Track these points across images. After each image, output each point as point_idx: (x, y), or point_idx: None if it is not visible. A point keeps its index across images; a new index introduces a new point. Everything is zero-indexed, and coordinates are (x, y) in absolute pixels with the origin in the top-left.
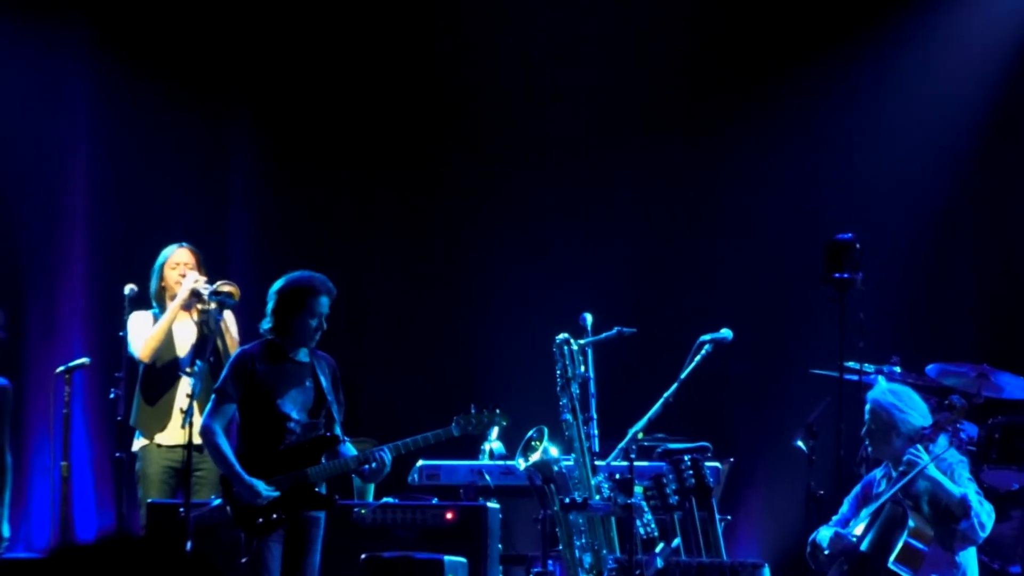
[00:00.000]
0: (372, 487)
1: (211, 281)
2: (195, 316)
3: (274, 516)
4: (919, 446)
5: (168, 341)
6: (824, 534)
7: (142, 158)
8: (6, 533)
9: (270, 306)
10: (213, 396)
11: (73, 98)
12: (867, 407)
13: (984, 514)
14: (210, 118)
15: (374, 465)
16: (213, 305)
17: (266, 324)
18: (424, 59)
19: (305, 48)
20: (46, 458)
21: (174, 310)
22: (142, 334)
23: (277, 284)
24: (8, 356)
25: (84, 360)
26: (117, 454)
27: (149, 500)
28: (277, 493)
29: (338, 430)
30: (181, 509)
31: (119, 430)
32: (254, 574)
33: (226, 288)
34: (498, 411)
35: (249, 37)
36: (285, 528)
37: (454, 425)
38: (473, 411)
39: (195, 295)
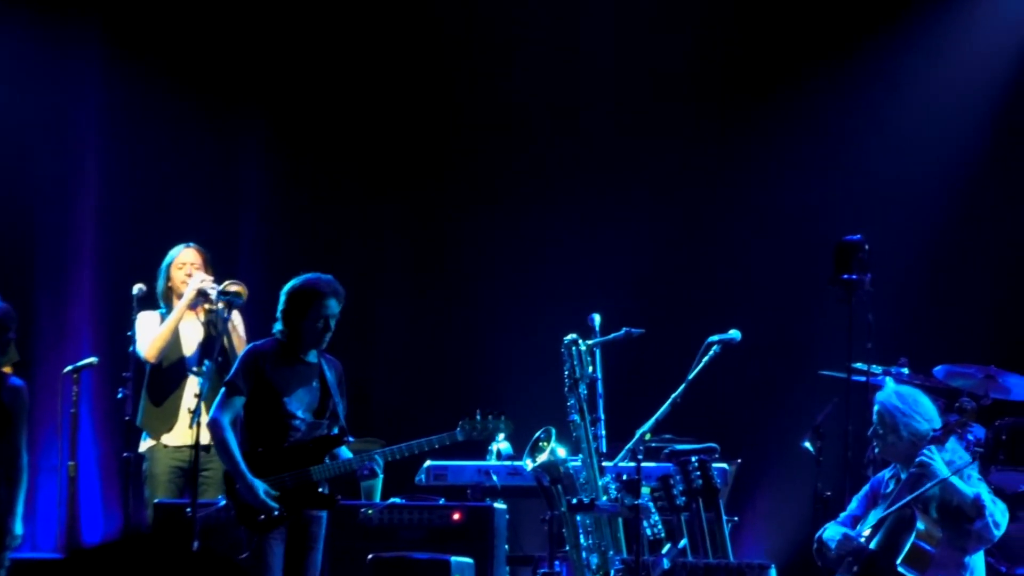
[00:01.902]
0: (379, 487)
1: (218, 281)
2: (202, 316)
3: (275, 514)
4: (932, 448)
5: (175, 341)
6: (832, 533)
7: (152, 159)
8: (19, 531)
9: (279, 307)
10: (223, 389)
11: (84, 99)
12: (875, 409)
13: (998, 512)
14: (220, 119)
15: (365, 472)
16: (220, 305)
17: (277, 325)
18: (434, 63)
19: (316, 50)
20: (53, 458)
21: (180, 310)
22: (148, 334)
23: (287, 286)
24: (18, 355)
25: (92, 360)
26: (124, 454)
27: (156, 500)
28: (276, 504)
29: (335, 431)
30: (188, 509)
31: (126, 430)
32: (255, 571)
33: (233, 288)
34: (503, 418)
35: (260, 39)
36: (287, 526)
37: (459, 430)
38: (479, 417)
39: (202, 295)
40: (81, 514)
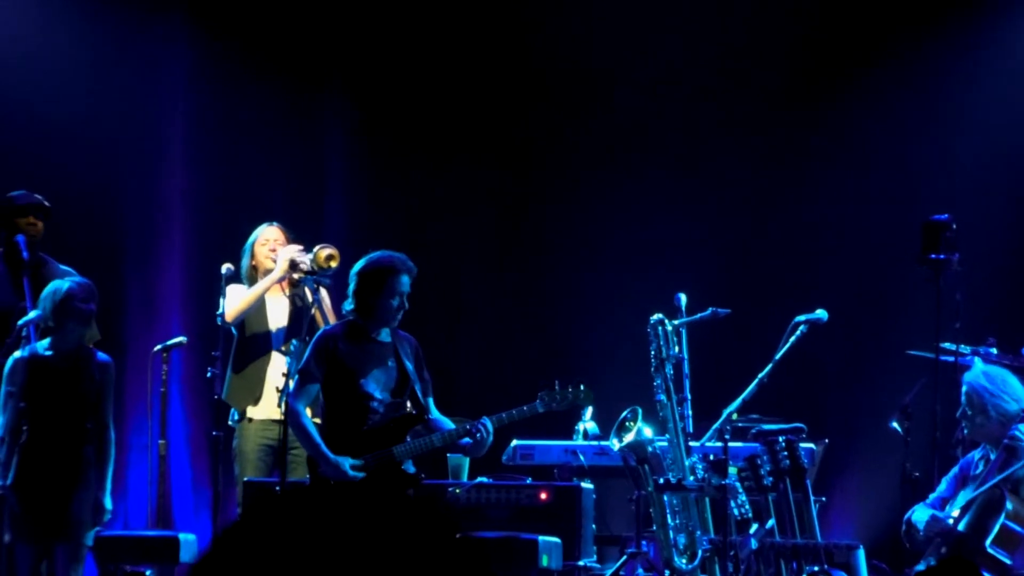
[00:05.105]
0: (467, 467)
1: (307, 250)
2: (287, 290)
3: None
4: (1021, 427)
5: (260, 313)
6: (920, 515)
7: (239, 138)
8: (109, 506)
9: (351, 287)
10: (296, 376)
11: (171, 79)
12: (963, 390)
13: None
14: (306, 97)
15: (478, 437)
16: (308, 268)
17: (348, 305)
18: (520, 42)
19: (401, 26)
20: (144, 436)
21: (271, 279)
22: (234, 300)
23: (357, 265)
24: (107, 334)
25: (181, 339)
26: (214, 432)
27: (245, 479)
28: (363, 474)
29: (431, 404)
30: (277, 487)
31: (215, 408)
32: None
33: (326, 251)
34: (582, 387)
35: (345, 15)
36: None
37: (539, 401)
38: (557, 387)
39: (292, 266)
40: (172, 492)
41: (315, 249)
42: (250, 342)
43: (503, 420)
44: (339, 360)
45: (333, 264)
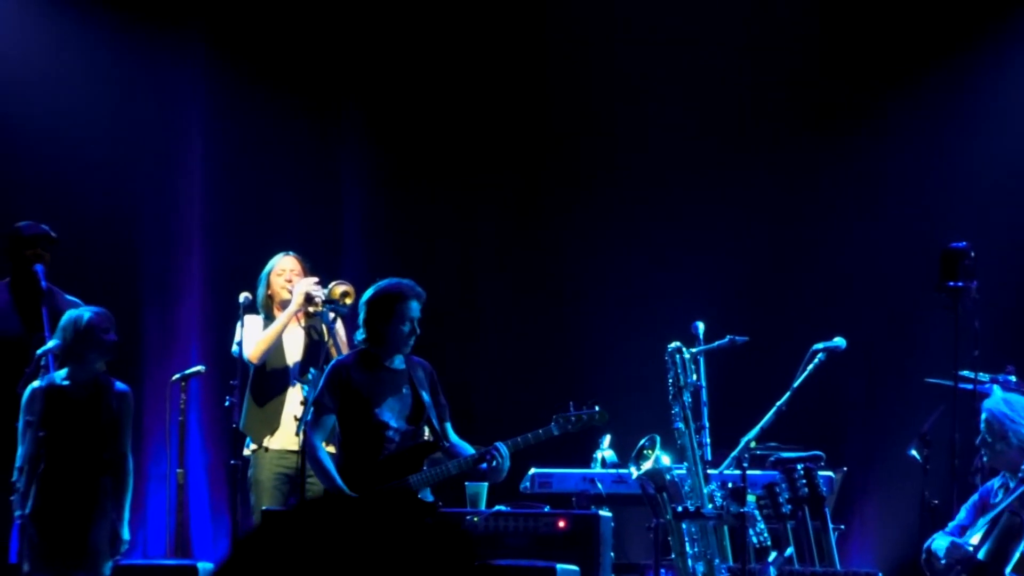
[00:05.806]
0: (485, 495)
1: (323, 284)
2: (303, 321)
3: None
4: None
5: (278, 346)
6: (940, 543)
7: (256, 167)
8: (127, 536)
9: (361, 317)
10: (311, 408)
11: (188, 108)
12: (982, 416)
13: None
14: (322, 126)
15: (493, 464)
16: (323, 308)
17: (360, 335)
18: (534, 65)
19: (416, 55)
20: (162, 465)
21: (289, 314)
22: (253, 336)
23: (366, 294)
24: (125, 363)
25: (199, 368)
26: (232, 461)
27: (264, 507)
28: None
29: (449, 430)
30: None
31: (234, 437)
32: None
33: (341, 288)
34: (598, 408)
35: (361, 45)
36: None
37: (554, 424)
38: (572, 409)
39: (308, 299)
40: (190, 521)
41: (331, 285)
42: (269, 377)
43: (518, 444)
44: (353, 390)
45: (348, 301)
